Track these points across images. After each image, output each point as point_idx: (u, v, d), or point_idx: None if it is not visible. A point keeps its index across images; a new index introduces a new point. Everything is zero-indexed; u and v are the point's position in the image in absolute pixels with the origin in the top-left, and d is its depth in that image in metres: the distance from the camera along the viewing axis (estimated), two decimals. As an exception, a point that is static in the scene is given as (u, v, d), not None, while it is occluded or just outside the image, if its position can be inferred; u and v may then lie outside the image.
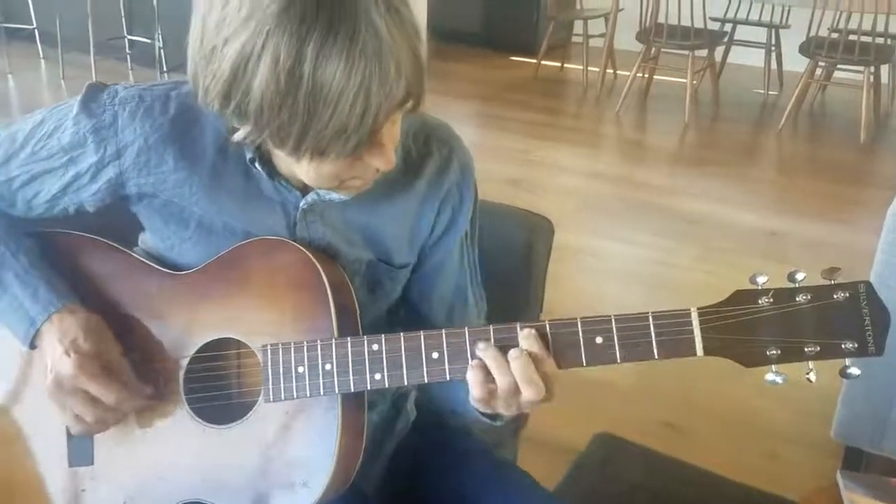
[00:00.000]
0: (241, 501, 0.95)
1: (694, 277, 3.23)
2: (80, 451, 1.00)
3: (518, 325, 0.88)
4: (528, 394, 0.87)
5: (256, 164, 0.94)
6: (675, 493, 1.44)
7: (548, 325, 0.88)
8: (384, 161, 0.85)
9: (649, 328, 0.84)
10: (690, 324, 0.84)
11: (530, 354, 0.87)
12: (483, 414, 0.98)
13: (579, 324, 0.87)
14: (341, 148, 0.79)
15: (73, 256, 1.04)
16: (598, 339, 0.86)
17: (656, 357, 0.84)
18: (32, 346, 0.97)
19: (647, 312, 0.85)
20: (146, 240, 1.07)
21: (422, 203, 1.02)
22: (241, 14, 0.75)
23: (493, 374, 0.88)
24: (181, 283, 1.01)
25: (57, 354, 0.93)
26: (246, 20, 0.75)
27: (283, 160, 0.91)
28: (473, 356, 0.89)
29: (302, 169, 0.87)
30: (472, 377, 0.88)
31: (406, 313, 1.12)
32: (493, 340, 0.89)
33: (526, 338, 0.87)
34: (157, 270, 1.02)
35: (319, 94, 0.75)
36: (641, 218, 3.78)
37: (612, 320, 0.85)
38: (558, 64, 6.31)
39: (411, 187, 1.01)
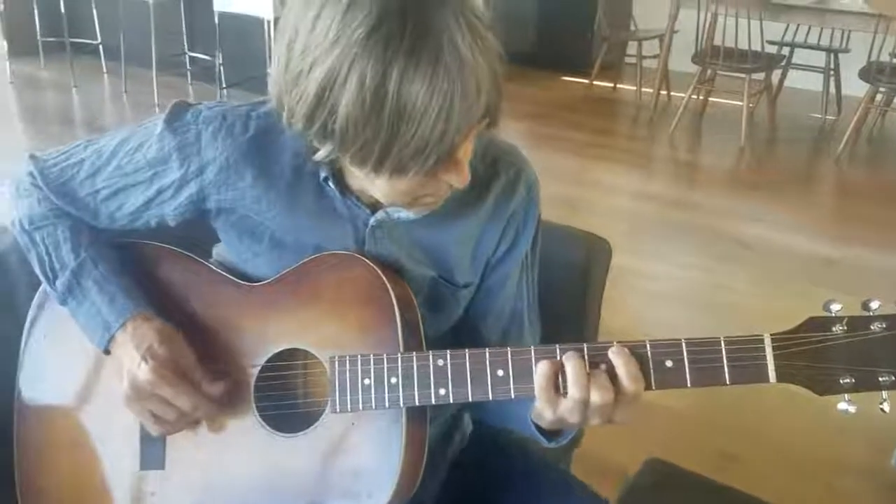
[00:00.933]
0: None
1: (749, 302, 3.18)
2: (151, 455, 1.03)
3: (585, 346, 0.89)
4: (597, 398, 0.87)
5: (330, 183, 0.96)
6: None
7: (615, 346, 0.88)
8: (459, 178, 0.87)
9: (721, 353, 0.84)
10: (763, 350, 0.83)
11: (607, 370, 0.87)
12: (540, 433, 0.98)
13: (648, 346, 0.87)
14: (420, 165, 0.81)
15: (151, 266, 1.07)
16: (668, 363, 0.86)
17: (727, 383, 0.84)
18: (107, 351, 1.01)
19: (719, 338, 0.84)
20: (221, 251, 1.11)
21: (486, 224, 1.04)
22: (328, 40, 0.77)
23: (570, 386, 0.87)
24: (254, 294, 1.03)
25: (134, 360, 0.96)
26: (332, 45, 0.77)
27: (356, 178, 0.94)
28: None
29: (377, 186, 0.89)
30: (542, 388, 0.89)
31: (462, 333, 1.12)
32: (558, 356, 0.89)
33: (617, 353, 0.87)
34: (231, 281, 1.05)
35: (403, 112, 0.77)
36: (695, 240, 3.74)
37: (683, 344, 0.85)
38: (611, 84, 6.30)
39: (477, 208, 1.03)
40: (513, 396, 0.90)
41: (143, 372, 0.95)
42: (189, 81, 5.82)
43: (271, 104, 0.97)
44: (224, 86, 5.32)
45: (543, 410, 0.91)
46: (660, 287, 3.35)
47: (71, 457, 1.08)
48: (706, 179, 4.79)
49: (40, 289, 1.11)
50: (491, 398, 0.90)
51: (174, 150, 0.99)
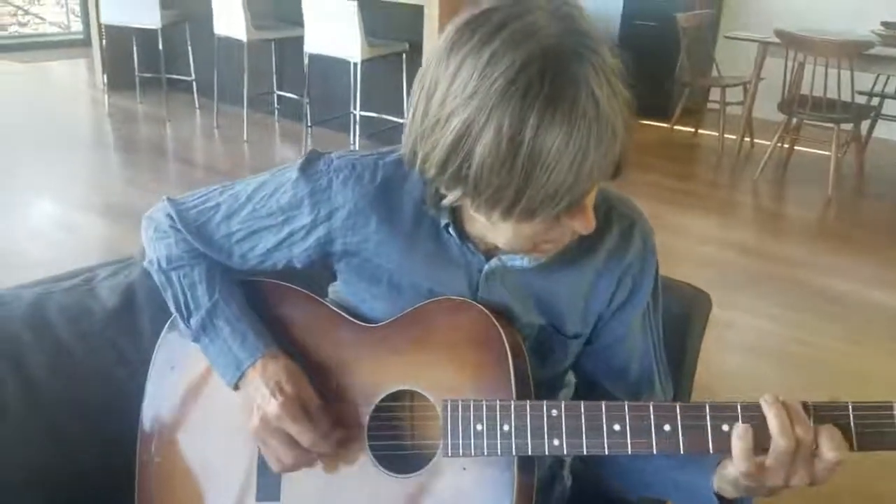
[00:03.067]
0: None
1: (837, 359, 3.09)
2: (268, 487, 1.07)
3: (738, 404, 0.87)
4: (830, 455, 0.84)
5: (450, 229, 1.00)
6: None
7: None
8: (585, 224, 0.88)
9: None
10: None
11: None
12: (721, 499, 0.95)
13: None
14: (550, 210, 0.83)
15: (275, 304, 1.13)
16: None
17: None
18: (236, 387, 1.05)
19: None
20: (337, 291, 1.15)
21: (600, 275, 1.05)
22: (467, 91, 0.80)
23: (777, 436, 0.84)
24: (369, 334, 1.07)
25: (264, 397, 1.01)
26: (471, 96, 0.80)
27: (476, 225, 0.96)
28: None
29: (501, 231, 0.91)
30: (741, 447, 0.85)
31: (588, 391, 1.13)
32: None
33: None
34: (348, 321, 1.09)
35: (538, 158, 0.79)
36: (778, 292, 3.66)
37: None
38: (692, 129, 6.25)
39: (590, 258, 1.04)
40: (629, 452, 0.89)
41: (273, 407, 1.00)
42: (276, 119, 6.00)
43: (398, 154, 1.02)
44: (310, 124, 5.47)
45: (742, 475, 0.87)
46: (744, 338, 3.28)
47: (190, 483, 1.13)
48: (791, 230, 4.69)
49: (168, 322, 1.17)
50: (606, 452, 0.90)
51: (307, 195, 1.04)
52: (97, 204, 4.42)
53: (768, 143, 5.20)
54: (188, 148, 5.77)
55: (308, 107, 5.47)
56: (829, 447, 0.83)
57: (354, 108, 5.15)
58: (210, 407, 1.14)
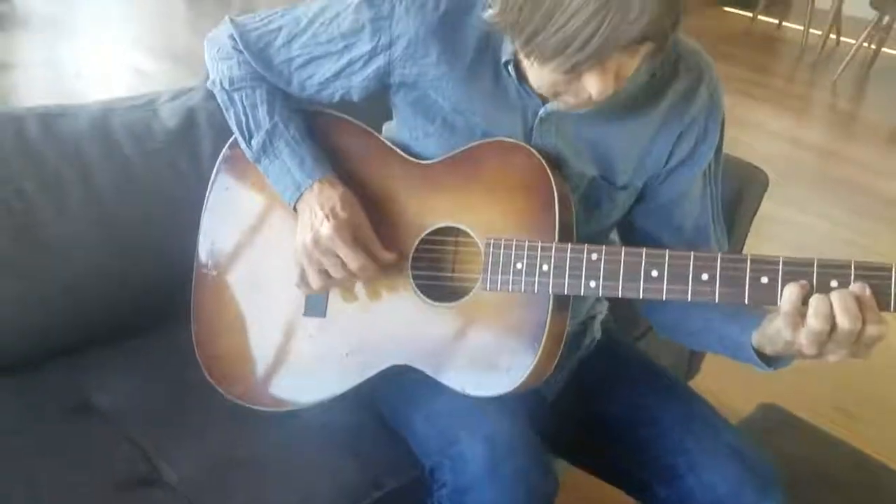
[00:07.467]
0: (447, 371, 1.03)
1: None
2: (315, 304, 1.13)
3: (780, 258, 0.86)
4: (873, 331, 0.83)
5: (510, 67, 0.99)
6: (839, 474, 1.39)
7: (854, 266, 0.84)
8: (596, 90, 0.87)
9: None
10: None
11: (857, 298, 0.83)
12: (760, 356, 0.97)
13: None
14: (561, 62, 0.83)
15: (331, 135, 1.14)
16: None
17: None
18: (294, 208, 1.09)
19: None
20: (391, 128, 1.16)
21: (660, 127, 1.04)
22: None
23: (810, 318, 0.83)
24: (421, 171, 1.09)
25: (318, 217, 1.04)
26: None
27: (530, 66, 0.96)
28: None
29: (530, 69, 0.92)
30: (788, 313, 0.85)
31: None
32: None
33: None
34: (401, 157, 1.10)
35: (560, 4, 0.79)
36: (842, 194, 3.56)
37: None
38: (776, 21, 5.93)
39: (651, 109, 1.03)
40: (663, 298, 0.91)
41: (326, 229, 1.03)
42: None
43: None
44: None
45: (779, 338, 0.89)
46: (797, 237, 3.22)
47: (242, 296, 1.19)
48: (865, 133, 4.49)
49: (227, 145, 1.20)
50: (641, 297, 0.92)
51: (368, 22, 1.03)
52: (159, 48, 4.44)
53: (854, 41, 4.92)
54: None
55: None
56: (871, 321, 0.83)
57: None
58: (263, 227, 1.18)
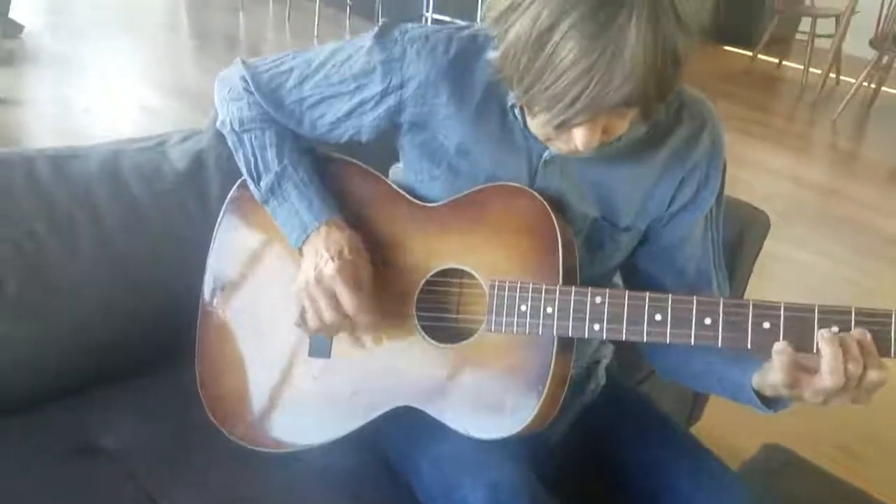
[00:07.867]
0: (451, 413, 1.03)
1: (889, 305, 3.03)
2: (319, 345, 1.13)
3: (782, 304, 0.88)
4: (875, 376, 0.85)
5: (515, 110, 1.01)
6: (844, 517, 1.37)
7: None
8: (581, 143, 0.89)
9: None
10: None
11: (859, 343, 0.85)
12: (761, 398, 0.98)
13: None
14: (551, 117, 0.86)
15: (339, 178, 1.16)
16: None
17: None
18: (300, 250, 1.10)
19: None
20: (397, 171, 1.18)
21: (662, 172, 1.05)
22: None
23: (824, 373, 0.85)
24: (427, 213, 1.10)
25: (322, 257, 1.05)
26: None
27: None
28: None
29: (527, 115, 0.96)
30: (783, 362, 0.87)
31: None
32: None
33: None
34: (406, 199, 1.12)
35: (551, 61, 0.81)
36: (843, 233, 3.57)
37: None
38: (776, 60, 6.01)
39: (654, 154, 1.04)
40: (667, 342, 0.92)
41: (329, 268, 1.04)
42: (348, 16, 5.97)
43: (473, 29, 1.04)
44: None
45: (781, 389, 0.90)
46: (798, 276, 3.23)
47: (246, 336, 1.19)
48: (866, 172, 4.52)
49: (235, 186, 1.22)
50: (645, 341, 0.93)
51: (379, 63, 1.06)
52: (166, 85, 4.50)
53: (854, 80, 4.97)
54: (259, 38, 5.80)
55: (380, 5, 5.41)
56: (872, 366, 0.84)
57: (427, 11, 5.08)
58: (269, 268, 1.19)
